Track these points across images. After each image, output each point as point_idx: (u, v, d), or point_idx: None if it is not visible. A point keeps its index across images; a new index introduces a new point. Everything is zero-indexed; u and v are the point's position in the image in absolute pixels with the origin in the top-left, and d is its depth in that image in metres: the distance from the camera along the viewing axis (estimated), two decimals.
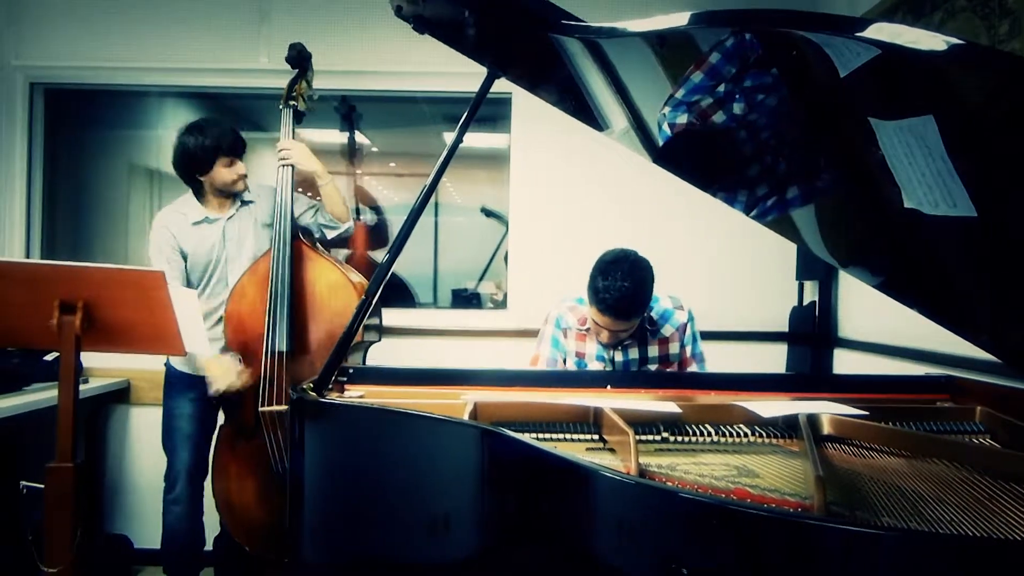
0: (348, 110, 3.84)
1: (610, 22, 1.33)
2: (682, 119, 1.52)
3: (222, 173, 2.70)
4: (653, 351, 2.36)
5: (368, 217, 4.16)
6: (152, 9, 3.42)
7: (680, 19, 1.20)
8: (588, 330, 2.34)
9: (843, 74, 1.11)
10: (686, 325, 2.40)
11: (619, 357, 2.35)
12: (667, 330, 2.37)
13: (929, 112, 1.08)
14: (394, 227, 4.20)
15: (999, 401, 1.78)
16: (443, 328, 3.47)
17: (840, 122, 1.34)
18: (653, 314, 2.36)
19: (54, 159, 3.66)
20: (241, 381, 2.63)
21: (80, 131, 3.94)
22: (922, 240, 1.44)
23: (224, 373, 2.61)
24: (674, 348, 2.38)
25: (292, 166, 2.76)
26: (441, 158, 1.88)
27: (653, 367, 2.36)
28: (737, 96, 1.37)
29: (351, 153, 4.03)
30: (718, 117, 1.46)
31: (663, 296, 2.40)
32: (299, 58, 2.81)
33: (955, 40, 0.93)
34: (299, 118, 2.84)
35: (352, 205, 4.05)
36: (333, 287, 2.75)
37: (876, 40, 0.99)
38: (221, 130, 2.69)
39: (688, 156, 1.74)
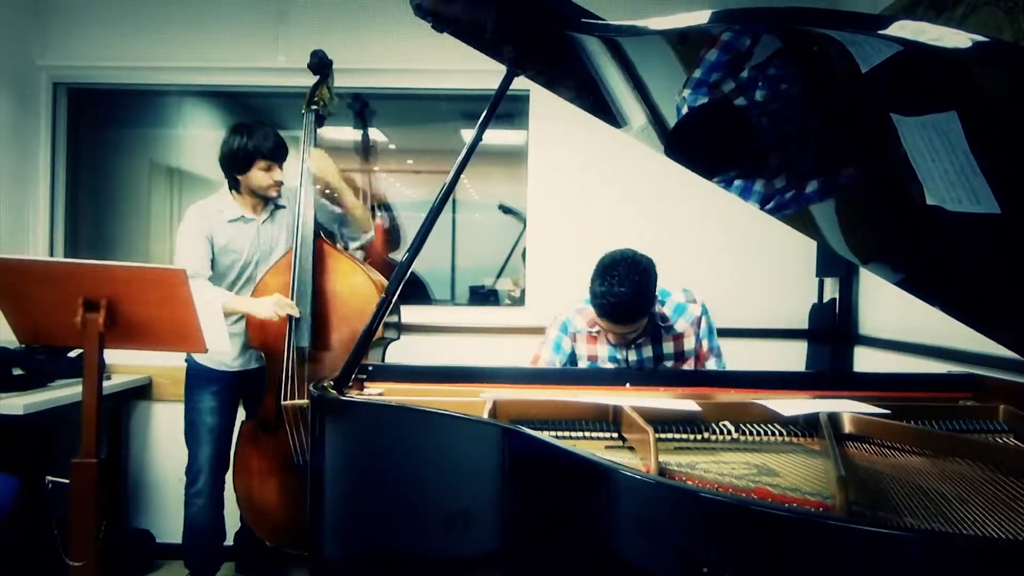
0: (361, 107, 3.85)
1: (630, 20, 1.33)
2: (703, 101, 1.49)
3: (258, 176, 2.75)
4: (668, 347, 2.32)
5: (382, 216, 4.19)
6: (172, 10, 3.45)
7: (701, 17, 1.20)
8: (599, 331, 2.30)
9: (864, 70, 1.10)
10: (700, 319, 2.34)
11: (633, 356, 2.32)
12: (680, 325, 2.32)
13: (952, 108, 1.07)
14: (411, 224, 4.22)
15: (1023, 400, 1.76)
16: (461, 325, 3.48)
17: (861, 118, 1.33)
18: (666, 310, 2.31)
19: (76, 158, 3.70)
20: (289, 305, 2.66)
21: (102, 130, 3.98)
22: (944, 237, 1.43)
23: (271, 303, 2.65)
24: (689, 344, 2.33)
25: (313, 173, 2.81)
26: (460, 156, 1.89)
27: (669, 364, 2.32)
28: (760, 83, 1.35)
29: (365, 150, 4.06)
30: (740, 102, 1.43)
31: (675, 290, 2.35)
32: (320, 65, 2.90)
33: (980, 37, 0.92)
34: (320, 121, 2.93)
35: (368, 203, 4.11)
36: (354, 285, 2.79)
37: (899, 37, 0.98)
38: (264, 134, 2.74)
39: (702, 144, 1.71)
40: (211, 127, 4.32)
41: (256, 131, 2.74)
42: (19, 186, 3.46)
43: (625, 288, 2.05)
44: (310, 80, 2.92)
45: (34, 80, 3.49)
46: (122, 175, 4.13)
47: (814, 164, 1.54)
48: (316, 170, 2.82)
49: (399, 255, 4.01)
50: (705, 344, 2.36)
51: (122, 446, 3.43)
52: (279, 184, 2.80)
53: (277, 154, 2.75)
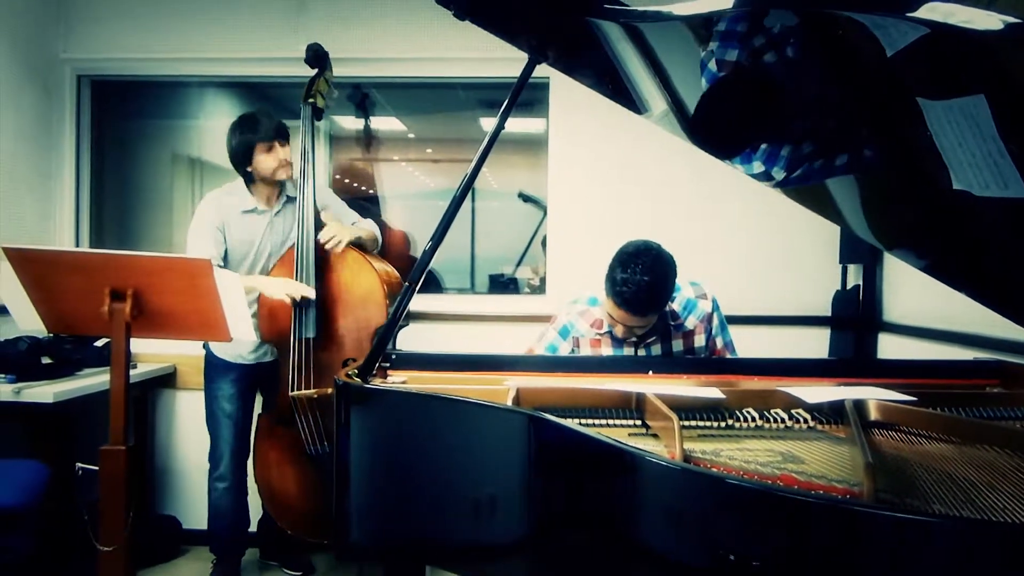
0: (362, 98, 3.86)
1: (654, 6, 1.32)
2: (732, 55, 1.43)
3: (263, 161, 2.76)
4: (678, 345, 2.26)
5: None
6: (193, 1, 3.47)
7: (725, 1, 1.19)
8: (603, 334, 2.24)
9: (890, 54, 1.09)
10: (711, 315, 2.28)
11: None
12: (691, 322, 2.25)
13: (981, 92, 1.05)
14: (431, 213, 4.23)
15: None
16: (480, 314, 3.49)
17: (887, 101, 1.32)
18: (676, 306, 2.24)
19: (100, 150, 3.74)
20: (302, 287, 2.66)
21: (125, 122, 4.02)
22: (972, 222, 1.41)
23: (283, 284, 2.66)
24: (699, 340, 2.27)
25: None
26: (482, 146, 1.88)
27: None
28: (792, 40, 1.32)
29: (367, 139, 4.08)
30: (770, 57, 1.39)
31: (685, 284, 2.27)
32: (316, 57, 2.88)
33: (1012, 19, 0.90)
34: (318, 115, 2.91)
35: (375, 192, 4.19)
36: (358, 275, 2.78)
37: (928, 20, 0.97)
38: (257, 121, 2.77)
39: (728, 116, 1.65)
40: (232, 118, 4.35)
41: (249, 121, 2.77)
42: (45, 178, 3.50)
43: (649, 277, 2.01)
44: None
45: (58, 73, 3.53)
46: (145, 166, 4.18)
47: (843, 136, 1.51)
48: (330, 243, 2.73)
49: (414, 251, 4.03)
50: (719, 341, 2.31)
51: (148, 434, 3.48)
52: (288, 163, 2.79)
53: (275, 134, 2.76)
